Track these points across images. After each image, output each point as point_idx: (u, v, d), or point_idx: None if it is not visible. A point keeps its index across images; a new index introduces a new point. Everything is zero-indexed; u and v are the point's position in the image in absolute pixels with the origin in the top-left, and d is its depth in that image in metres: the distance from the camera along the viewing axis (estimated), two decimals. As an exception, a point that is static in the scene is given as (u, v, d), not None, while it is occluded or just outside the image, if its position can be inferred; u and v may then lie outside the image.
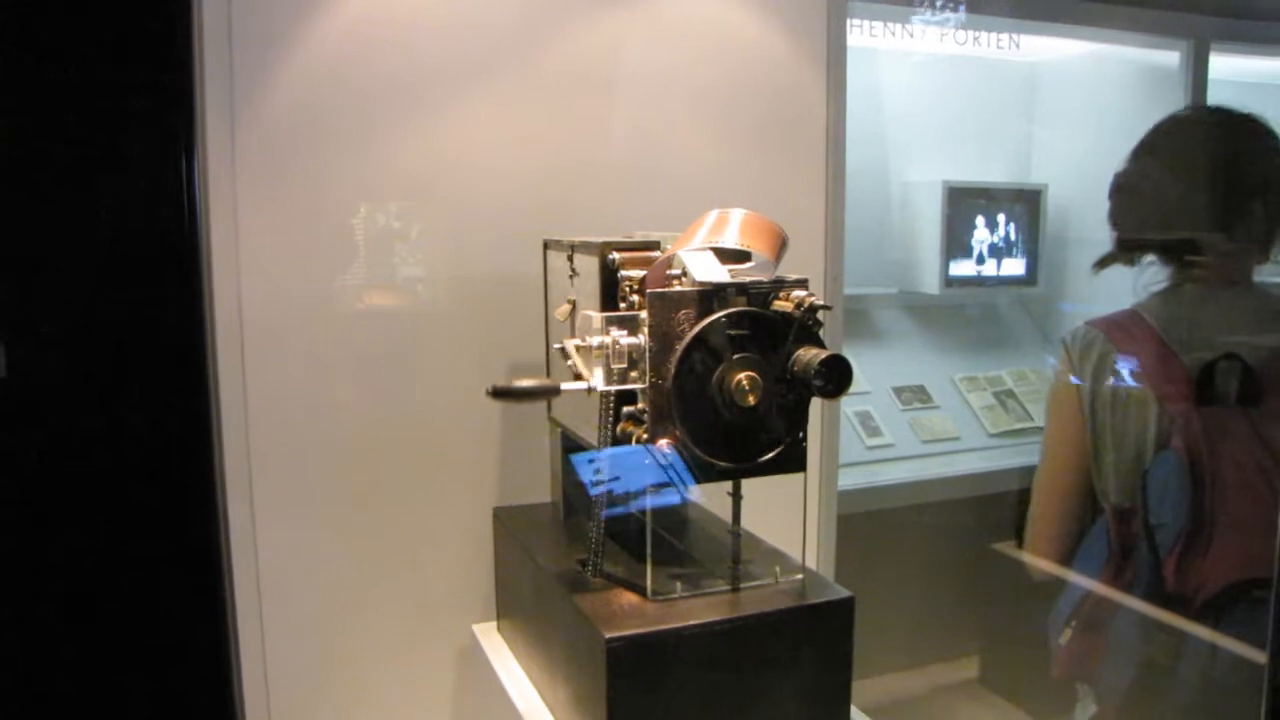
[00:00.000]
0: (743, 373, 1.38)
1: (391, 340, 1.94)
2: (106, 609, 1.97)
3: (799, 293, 1.40)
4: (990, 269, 3.52)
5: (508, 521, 1.86)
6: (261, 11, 1.80)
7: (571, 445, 1.78)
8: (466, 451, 1.99)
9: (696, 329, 1.38)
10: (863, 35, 3.21)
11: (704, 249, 1.45)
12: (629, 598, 1.47)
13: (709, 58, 2.10)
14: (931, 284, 3.45)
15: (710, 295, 1.39)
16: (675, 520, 1.78)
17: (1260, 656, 1.57)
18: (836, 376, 1.36)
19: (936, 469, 3.17)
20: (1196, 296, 1.89)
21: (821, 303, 1.39)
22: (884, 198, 3.53)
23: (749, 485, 1.50)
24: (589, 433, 1.58)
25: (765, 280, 1.43)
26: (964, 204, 3.44)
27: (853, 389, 3.31)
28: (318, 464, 1.91)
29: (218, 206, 1.81)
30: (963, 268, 3.47)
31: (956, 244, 3.45)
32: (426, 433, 1.96)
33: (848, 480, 2.88)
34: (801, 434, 1.46)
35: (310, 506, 1.91)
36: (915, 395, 3.41)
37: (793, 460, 1.46)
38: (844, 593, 1.48)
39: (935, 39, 3.35)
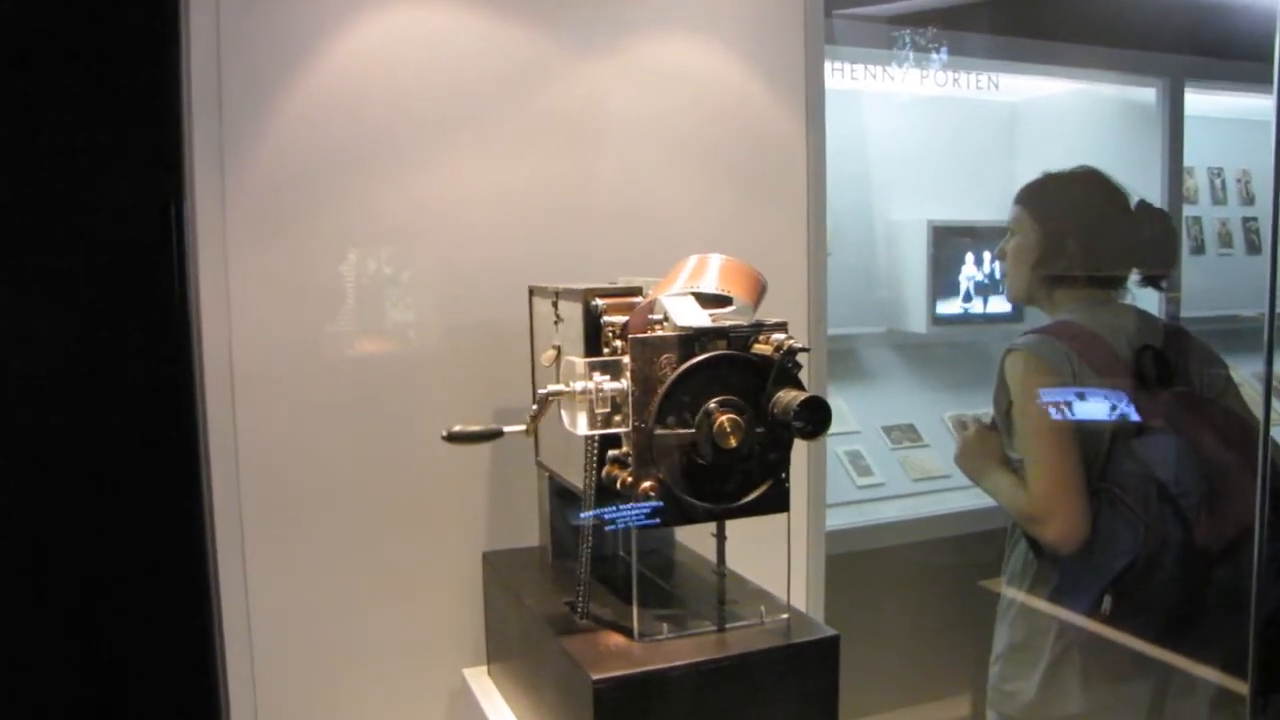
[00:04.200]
0: (724, 415, 1.41)
1: (380, 385, 1.96)
2: (95, 651, 1.98)
3: (778, 336, 1.43)
4: (977, 307, 3.55)
5: (497, 565, 1.88)
6: (249, 63, 1.84)
7: (559, 489, 1.80)
8: (456, 496, 2.01)
9: (677, 373, 1.41)
10: (844, 78, 3.25)
11: (684, 294, 1.48)
12: (616, 639, 1.49)
13: (691, 105, 2.14)
14: (919, 322, 3.48)
15: (691, 340, 1.42)
16: (661, 561, 1.80)
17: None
18: (816, 418, 1.38)
19: (927, 507, 3.17)
20: (1107, 310, 2.25)
21: (800, 345, 1.42)
22: (870, 237, 3.56)
23: (735, 525, 1.52)
24: (575, 476, 1.60)
25: (745, 324, 1.45)
26: (949, 242, 3.47)
27: (843, 428, 3.33)
28: (308, 509, 1.92)
29: (207, 254, 1.84)
30: (950, 306, 3.50)
31: (943, 282, 3.48)
32: (416, 478, 1.98)
33: (840, 520, 2.90)
34: (784, 475, 1.48)
35: (301, 552, 1.92)
36: (905, 434, 3.43)
37: (776, 501, 1.48)
38: (829, 632, 1.49)
39: (916, 81, 3.40)
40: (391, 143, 1.94)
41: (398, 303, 1.99)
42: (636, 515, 1.44)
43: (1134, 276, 2.31)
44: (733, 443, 1.41)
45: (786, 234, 2.24)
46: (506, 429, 1.64)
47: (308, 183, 1.89)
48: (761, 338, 1.44)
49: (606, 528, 1.47)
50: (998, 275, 3.42)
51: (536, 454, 1.88)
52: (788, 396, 1.40)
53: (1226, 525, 2.01)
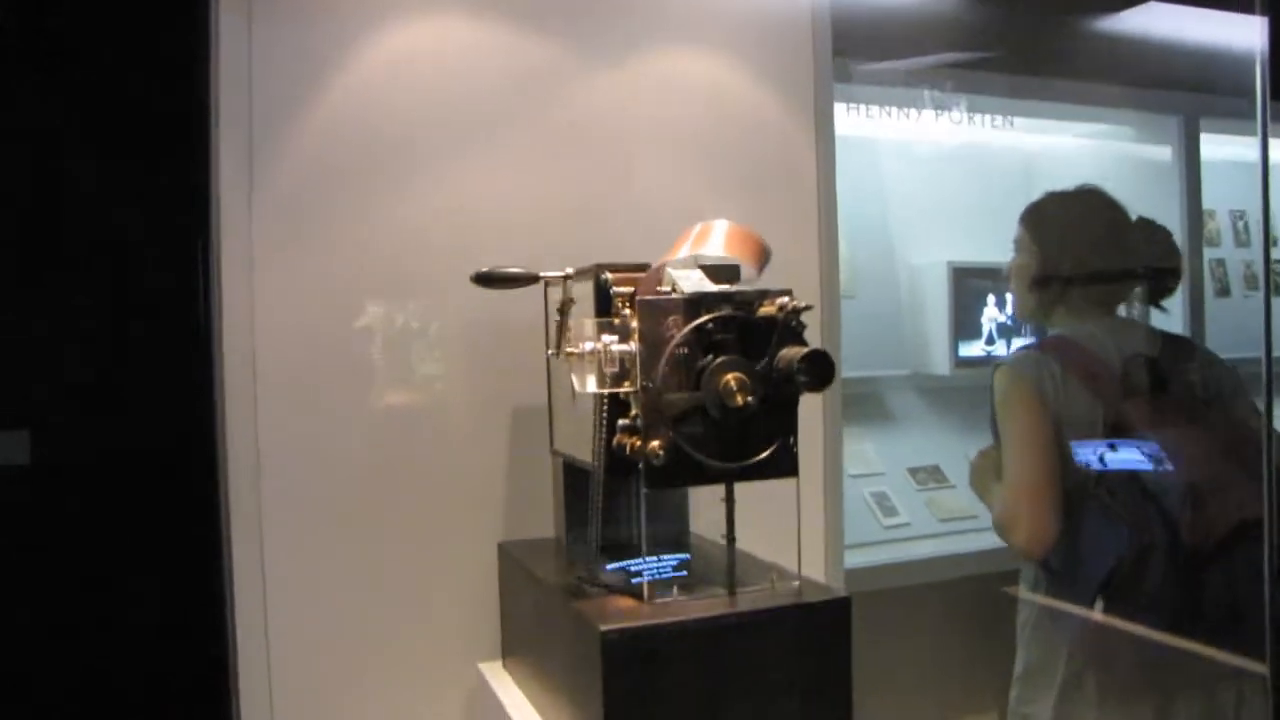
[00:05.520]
0: (729, 374, 1.43)
1: (395, 382, 2.00)
2: (109, 654, 2.01)
3: (783, 298, 1.45)
4: (1000, 348, 3.55)
5: (513, 552, 1.89)
6: (277, 74, 1.93)
7: (573, 475, 1.82)
8: (471, 488, 2.04)
9: (683, 332, 1.43)
10: (864, 127, 3.31)
11: (691, 264, 1.51)
12: (627, 602, 1.49)
13: (701, 113, 2.22)
14: (942, 365, 3.48)
15: (697, 301, 1.45)
16: (673, 540, 1.80)
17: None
18: (819, 369, 1.40)
19: (954, 547, 3.15)
20: (1102, 324, 2.26)
21: (804, 304, 1.45)
22: (893, 282, 3.58)
23: (748, 509, 1.53)
24: (588, 454, 1.62)
25: (750, 289, 1.48)
26: (970, 284, 3.49)
27: (868, 470, 3.31)
28: (326, 505, 1.95)
29: (231, 259, 1.90)
30: (972, 348, 3.51)
31: (965, 324, 3.49)
32: (431, 471, 2.01)
33: (866, 558, 2.91)
34: (792, 437, 1.49)
35: (318, 549, 1.94)
36: (930, 475, 3.41)
37: (784, 463, 1.49)
38: (841, 593, 1.49)
39: (932, 127, 3.45)
40: (411, 152, 2.01)
41: (414, 303, 2.03)
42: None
43: (1138, 293, 2.35)
44: (739, 401, 1.42)
45: (797, 236, 2.30)
46: (543, 274, 1.73)
47: (332, 189, 1.96)
48: (767, 301, 1.47)
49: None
50: (1008, 300, 3.45)
51: (551, 443, 1.90)
52: (791, 352, 1.42)
53: (1216, 524, 2.01)
